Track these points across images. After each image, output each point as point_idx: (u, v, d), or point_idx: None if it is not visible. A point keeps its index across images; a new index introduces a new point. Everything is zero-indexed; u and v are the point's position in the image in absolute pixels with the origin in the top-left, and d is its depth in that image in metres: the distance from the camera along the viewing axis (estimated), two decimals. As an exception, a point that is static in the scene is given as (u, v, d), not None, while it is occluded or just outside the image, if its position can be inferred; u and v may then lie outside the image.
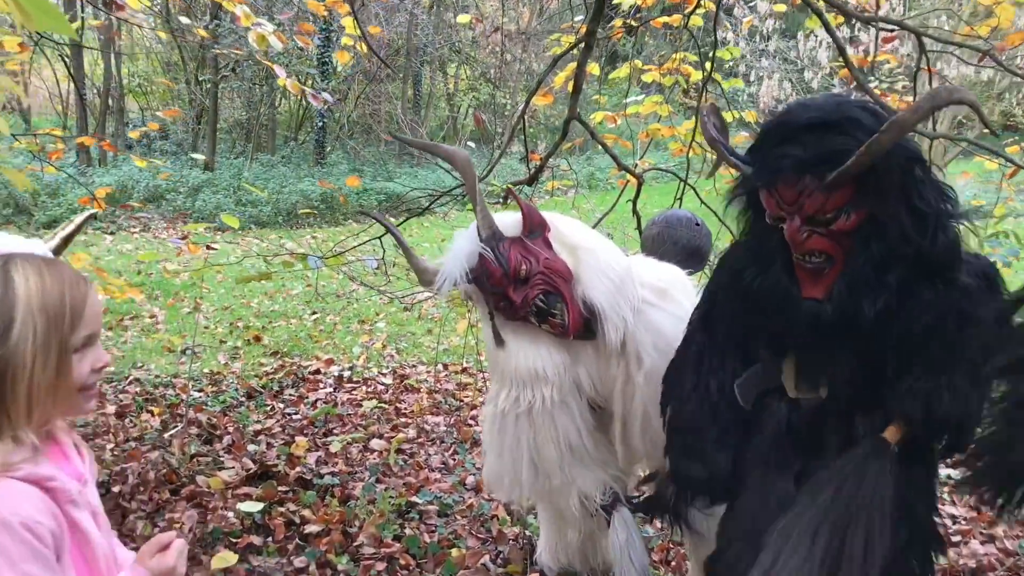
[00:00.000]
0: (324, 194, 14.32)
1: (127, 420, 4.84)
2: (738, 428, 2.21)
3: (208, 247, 5.57)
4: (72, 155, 15.53)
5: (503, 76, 19.77)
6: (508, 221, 2.35)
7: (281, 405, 5.20)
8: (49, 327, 1.29)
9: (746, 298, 2.03)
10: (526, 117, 3.98)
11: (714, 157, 2.16)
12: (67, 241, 1.57)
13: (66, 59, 17.40)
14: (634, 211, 4.31)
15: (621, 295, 2.32)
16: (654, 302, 2.41)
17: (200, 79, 17.27)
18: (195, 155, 14.69)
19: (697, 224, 2.98)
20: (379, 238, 4.32)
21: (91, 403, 1.42)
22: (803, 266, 1.90)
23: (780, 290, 1.95)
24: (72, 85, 17.50)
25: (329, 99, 4.82)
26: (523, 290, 2.28)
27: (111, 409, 4.99)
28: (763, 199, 1.92)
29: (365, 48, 4.44)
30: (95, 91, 18.47)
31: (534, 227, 2.32)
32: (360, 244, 4.44)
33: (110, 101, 17.65)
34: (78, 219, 1.60)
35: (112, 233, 12.18)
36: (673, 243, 2.88)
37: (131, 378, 5.65)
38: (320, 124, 18.48)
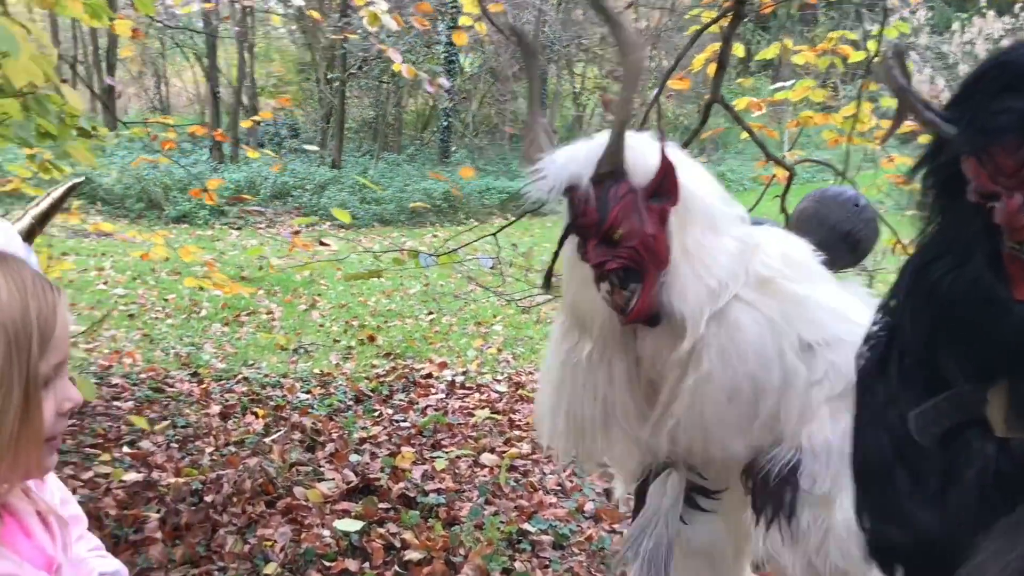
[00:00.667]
0: (447, 192, 14.15)
1: (230, 422, 4.63)
2: (936, 475, 1.67)
3: (321, 243, 5.33)
4: (205, 152, 15.91)
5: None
6: (640, 163, 1.84)
7: (390, 411, 4.90)
8: (10, 352, 0.92)
9: (934, 301, 1.48)
10: (661, 99, 3.51)
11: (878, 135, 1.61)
12: (43, 220, 1.21)
13: (201, 58, 17.92)
14: (783, 208, 3.78)
15: (711, 301, 1.83)
16: (747, 298, 1.87)
17: (329, 78, 17.45)
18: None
19: (856, 205, 2.37)
20: (494, 234, 3.93)
21: (53, 458, 1.03)
22: (1019, 258, 1.36)
23: (983, 290, 1.39)
24: (207, 84, 18.00)
25: (445, 84, 4.49)
26: (605, 251, 1.80)
27: (215, 409, 4.80)
28: (968, 169, 1.37)
29: (484, 29, 4.07)
30: (231, 89, 18.93)
31: (663, 191, 1.82)
32: (471, 242, 4.07)
33: (244, 99, 18.04)
34: (56, 191, 1.24)
35: (239, 228, 12.32)
36: (819, 223, 2.28)
37: (240, 377, 5.47)
38: (445, 123, 18.40)
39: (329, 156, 16.78)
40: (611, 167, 1.78)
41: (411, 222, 13.70)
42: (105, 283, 8.29)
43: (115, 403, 4.82)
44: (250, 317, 7.33)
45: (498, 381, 5.55)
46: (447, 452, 4.26)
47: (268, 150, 14.36)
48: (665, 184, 1.81)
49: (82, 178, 1.31)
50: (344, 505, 3.67)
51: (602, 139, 1.82)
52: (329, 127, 18.00)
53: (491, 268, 4.40)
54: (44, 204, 1.21)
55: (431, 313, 7.51)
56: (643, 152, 1.83)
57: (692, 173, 1.89)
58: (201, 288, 5.39)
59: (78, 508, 1.45)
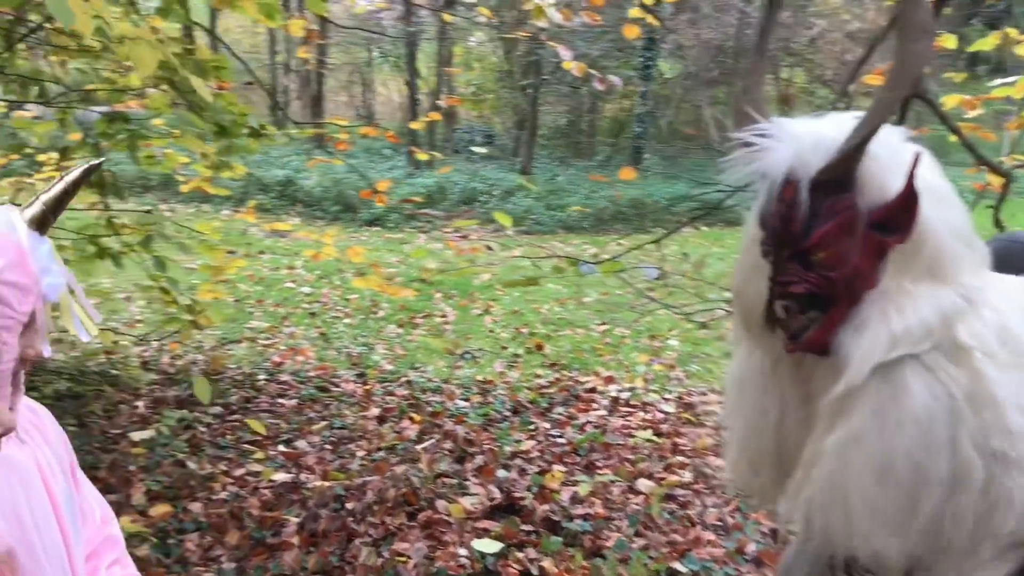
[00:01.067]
0: (634, 200, 13.81)
1: (386, 426, 4.57)
2: None
3: (489, 247, 5.20)
4: (404, 158, 16.39)
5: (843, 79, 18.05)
6: (877, 178, 1.40)
7: (546, 425, 4.68)
8: None
9: None
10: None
11: None
12: (56, 205, 1.07)
13: (401, 66, 18.51)
14: (996, 220, 3.24)
15: (886, 349, 1.38)
16: (929, 362, 1.39)
17: (523, 84, 17.56)
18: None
19: None
20: (656, 241, 3.62)
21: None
22: None
23: None
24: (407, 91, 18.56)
25: (615, 81, 4.22)
26: (795, 270, 1.41)
27: (374, 412, 4.76)
28: None
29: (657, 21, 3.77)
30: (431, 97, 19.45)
31: (893, 224, 1.39)
32: (632, 248, 3.77)
33: (441, 107, 18.46)
34: (70, 175, 1.09)
35: (426, 232, 12.54)
36: (1015, 268, 1.73)
37: (404, 380, 5.44)
38: (639, 130, 18.02)
39: (520, 162, 16.86)
40: (839, 174, 1.39)
41: (595, 229, 13.46)
42: (293, 281, 8.60)
43: (279, 400, 4.89)
44: (425, 320, 7.35)
45: (666, 400, 5.21)
46: (600, 474, 3.99)
47: (447, 157, 14.58)
48: (900, 218, 1.39)
49: (101, 160, 1.17)
50: (485, 523, 3.49)
51: (840, 125, 1.42)
52: (522, 134, 18.10)
53: (655, 279, 4.10)
54: (56, 189, 1.07)
55: (604, 324, 7.24)
56: (886, 165, 1.41)
57: (937, 205, 1.44)
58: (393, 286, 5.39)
59: (117, 530, 1.33)
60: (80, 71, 4.29)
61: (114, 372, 4.96)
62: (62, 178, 1.08)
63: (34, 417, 1.20)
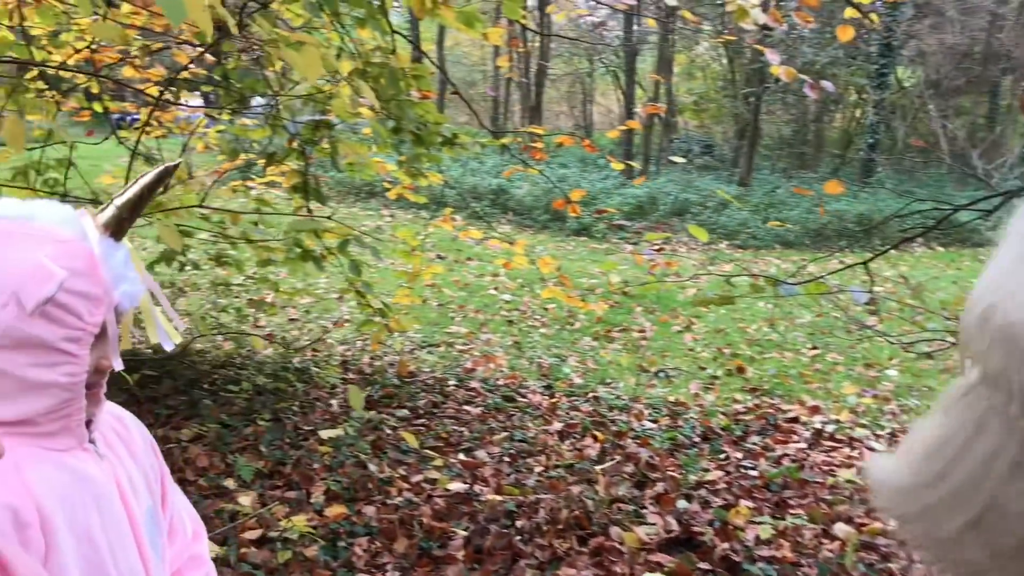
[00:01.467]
0: (861, 215, 12.91)
1: (567, 442, 4.45)
2: None
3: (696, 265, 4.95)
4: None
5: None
6: None
7: (738, 455, 4.37)
8: None
9: None
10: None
11: None
12: (132, 209, 1.01)
13: (619, 76, 18.44)
14: None
15: None
16: None
17: (745, 93, 16.95)
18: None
19: None
20: (866, 262, 3.27)
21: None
22: None
23: None
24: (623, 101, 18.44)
25: (829, 88, 3.87)
26: None
27: (557, 427, 4.66)
28: None
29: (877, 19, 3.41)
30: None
31: None
32: (843, 269, 3.43)
33: (659, 116, 18.19)
34: (145, 177, 1.03)
35: (634, 244, 12.33)
36: None
37: (591, 395, 5.29)
38: (871, 141, 16.90)
39: (739, 173, 16.29)
40: None
41: (816, 245, 12.71)
42: (496, 289, 8.69)
43: (466, 407, 4.89)
44: (622, 334, 7.18)
45: (876, 437, 4.73)
46: (793, 514, 3.65)
47: (665, 167, 14.22)
48: None
49: (178, 162, 1.11)
50: (659, 556, 3.28)
51: None
52: (742, 144, 17.48)
53: (865, 304, 3.71)
54: (132, 192, 1.02)
55: (815, 348, 6.75)
56: None
57: None
58: (582, 299, 5.29)
59: (204, 549, 1.28)
60: (292, 81, 4.49)
61: (315, 369, 5.16)
62: (137, 181, 1.02)
63: (120, 427, 1.16)
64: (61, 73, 4.53)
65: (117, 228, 1.01)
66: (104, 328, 0.98)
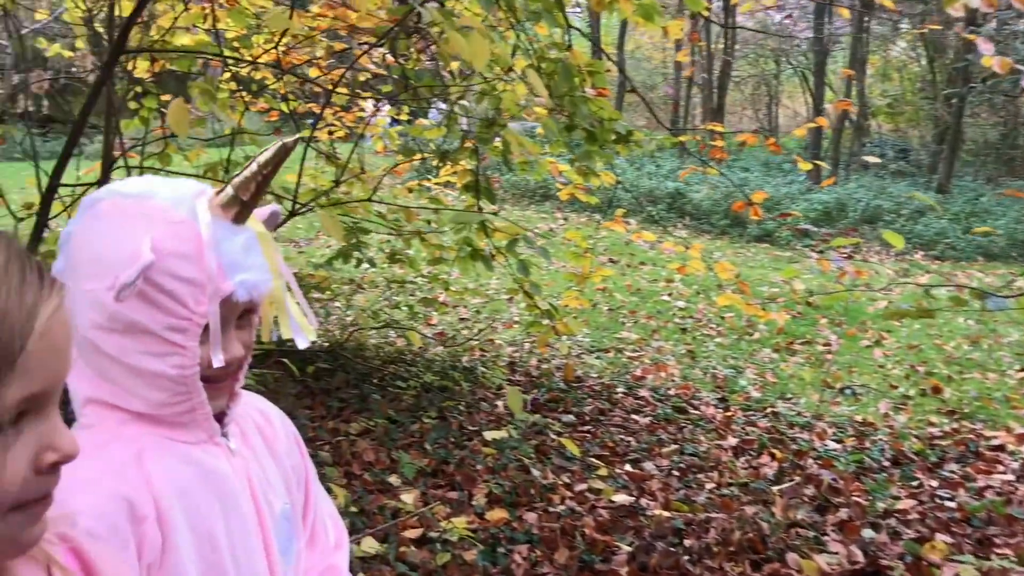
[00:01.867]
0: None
1: (742, 459, 4.20)
2: None
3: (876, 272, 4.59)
4: (803, 173, 15.56)
5: None
6: None
7: (933, 483, 3.98)
8: None
9: None
10: None
11: None
12: (249, 189, 0.92)
13: (808, 77, 17.67)
14: None
15: None
16: None
17: (947, 94, 15.77)
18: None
19: None
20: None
21: (35, 531, 0.63)
22: None
23: None
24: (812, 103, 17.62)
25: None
26: None
27: (731, 442, 4.41)
28: None
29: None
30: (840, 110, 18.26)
31: None
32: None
33: (851, 118, 17.23)
34: (262, 155, 0.93)
35: (820, 252, 11.69)
36: None
37: (770, 410, 4.99)
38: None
39: (937, 179, 15.18)
40: None
41: (1024, 258, 11.62)
42: (669, 295, 8.44)
43: (634, 416, 4.73)
44: (804, 347, 6.77)
45: (1100, 472, 4.19)
46: (998, 554, 3.26)
47: (856, 172, 13.43)
48: None
49: (296, 137, 1.00)
50: (841, 589, 3.00)
51: None
52: (942, 148, 16.28)
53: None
54: (248, 171, 0.92)
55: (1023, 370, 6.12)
56: None
57: None
58: (763, 309, 5.01)
59: (343, 560, 1.19)
60: (467, 81, 4.49)
61: (482, 369, 5.14)
62: (254, 159, 0.94)
63: (264, 422, 1.09)
64: (252, 73, 4.74)
65: (239, 210, 0.93)
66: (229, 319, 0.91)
